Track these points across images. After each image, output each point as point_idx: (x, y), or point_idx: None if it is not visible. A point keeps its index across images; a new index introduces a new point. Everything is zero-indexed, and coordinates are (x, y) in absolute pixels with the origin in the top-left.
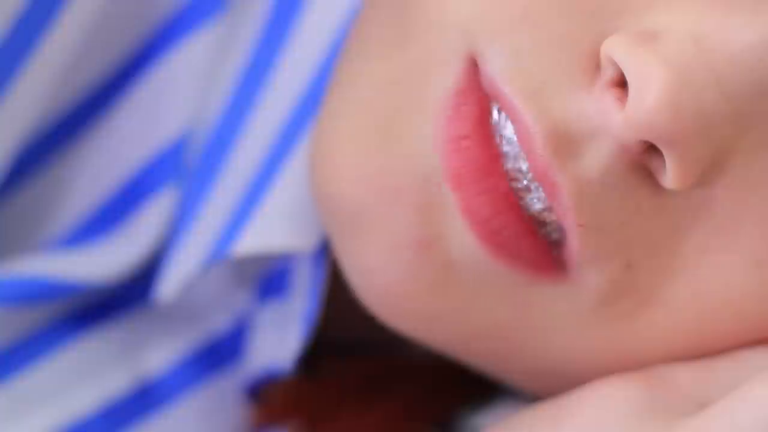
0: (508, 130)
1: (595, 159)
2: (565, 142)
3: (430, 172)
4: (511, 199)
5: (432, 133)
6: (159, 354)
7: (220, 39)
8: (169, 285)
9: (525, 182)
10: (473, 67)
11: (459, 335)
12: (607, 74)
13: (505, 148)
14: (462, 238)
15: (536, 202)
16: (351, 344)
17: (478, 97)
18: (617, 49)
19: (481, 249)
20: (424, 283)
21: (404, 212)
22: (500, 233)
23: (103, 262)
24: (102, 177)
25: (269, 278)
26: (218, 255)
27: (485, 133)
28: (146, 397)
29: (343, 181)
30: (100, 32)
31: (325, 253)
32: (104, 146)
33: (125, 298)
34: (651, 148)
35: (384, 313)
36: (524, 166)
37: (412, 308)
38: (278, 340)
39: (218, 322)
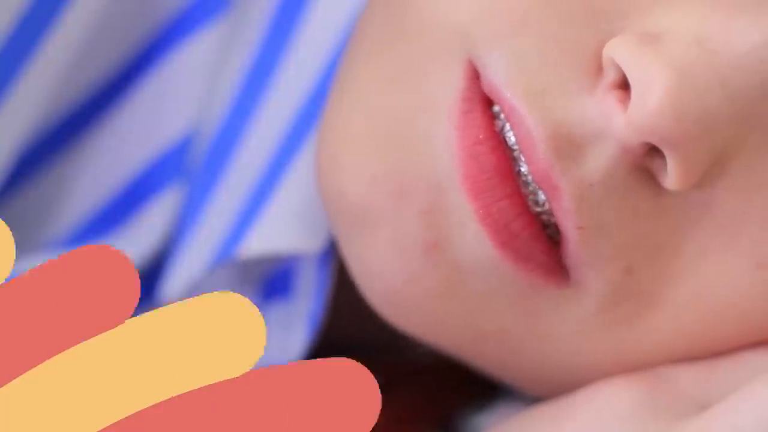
0: (511, 134)
1: (597, 161)
2: (567, 146)
3: (438, 175)
4: (526, 202)
5: (442, 139)
6: None
7: (223, 39)
8: (174, 286)
9: (530, 185)
10: (474, 70)
11: (463, 338)
12: (610, 76)
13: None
14: (473, 244)
15: (534, 205)
16: (354, 346)
17: (483, 102)
18: (619, 51)
19: (496, 254)
20: (429, 285)
21: (411, 214)
22: (518, 236)
23: None
24: (105, 177)
25: (273, 279)
26: (224, 256)
27: (497, 138)
28: None
29: (350, 182)
30: (104, 31)
31: (331, 254)
32: (107, 146)
33: None
34: (653, 150)
35: (389, 313)
36: (524, 169)
37: (417, 310)
38: (282, 341)
39: None
